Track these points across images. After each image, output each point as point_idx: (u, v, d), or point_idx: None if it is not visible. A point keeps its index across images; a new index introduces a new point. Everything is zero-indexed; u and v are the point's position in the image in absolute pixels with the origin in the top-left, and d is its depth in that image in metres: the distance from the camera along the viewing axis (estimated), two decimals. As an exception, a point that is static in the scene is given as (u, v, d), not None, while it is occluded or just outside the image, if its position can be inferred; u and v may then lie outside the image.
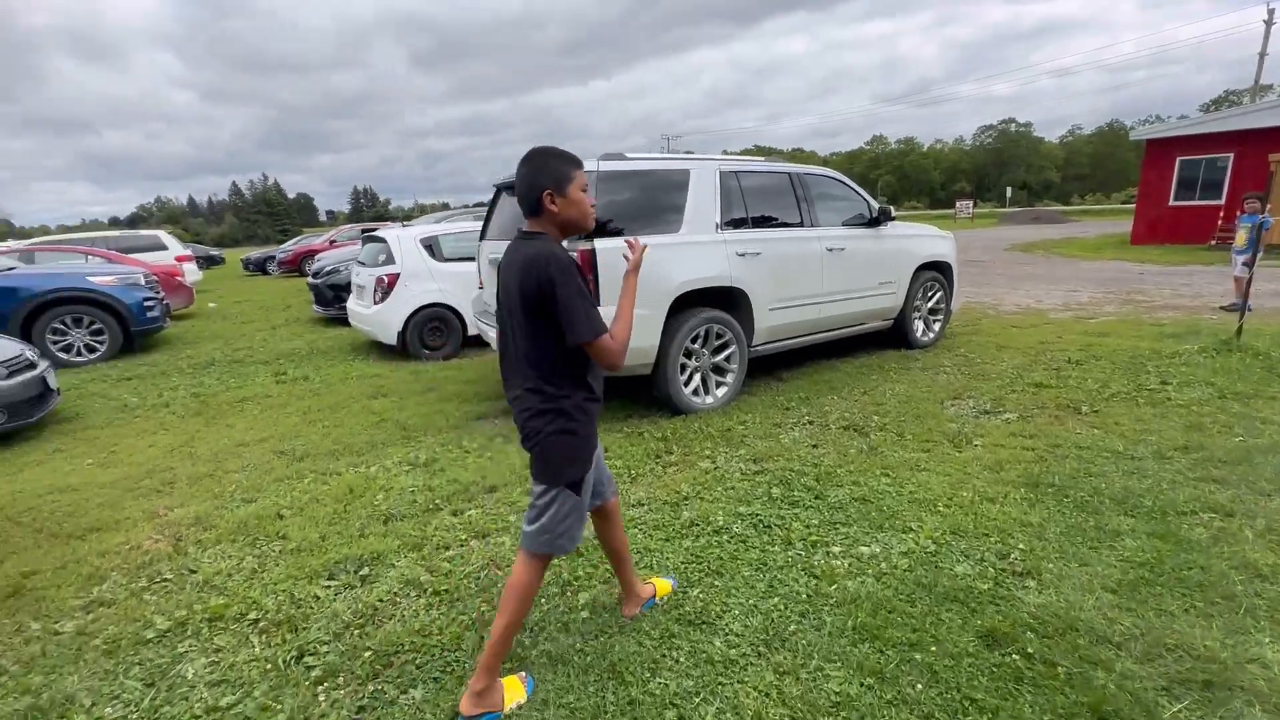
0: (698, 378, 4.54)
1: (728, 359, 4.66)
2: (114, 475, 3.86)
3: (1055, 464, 3.33)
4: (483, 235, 5.13)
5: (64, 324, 7.27)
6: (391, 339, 6.66)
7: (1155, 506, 2.81)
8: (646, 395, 4.63)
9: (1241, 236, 7.41)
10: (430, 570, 2.61)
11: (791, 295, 4.93)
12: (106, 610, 2.45)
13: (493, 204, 5.09)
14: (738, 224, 4.65)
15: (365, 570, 2.63)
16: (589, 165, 3.94)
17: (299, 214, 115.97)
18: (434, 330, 6.80)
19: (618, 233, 3.99)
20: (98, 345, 7.46)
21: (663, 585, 2.35)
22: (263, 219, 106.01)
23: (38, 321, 7.06)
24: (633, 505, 3.11)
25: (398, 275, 6.58)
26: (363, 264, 7.29)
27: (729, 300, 4.64)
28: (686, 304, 4.36)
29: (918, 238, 6.06)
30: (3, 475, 3.98)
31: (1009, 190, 70.81)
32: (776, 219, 4.99)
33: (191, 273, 13.19)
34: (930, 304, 6.27)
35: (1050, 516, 2.77)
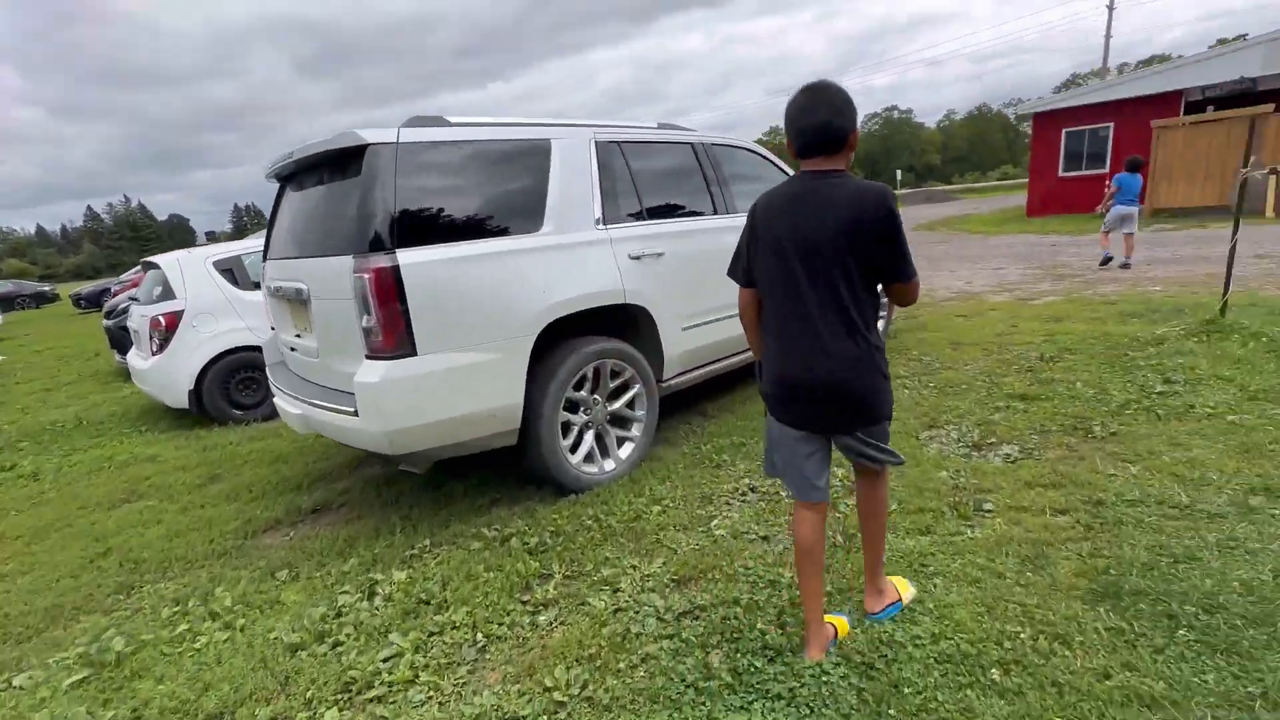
0: (590, 436, 3.18)
1: (631, 404, 3.33)
2: None
3: (1116, 545, 2.22)
4: (266, 254, 3.51)
5: None
6: (181, 400, 4.86)
7: (1314, 626, 1.72)
8: (520, 468, 3.23)
9: (1109, 196, 8.18)
10: None
11: (710, 307, 3.67)
12: None
13: (276, 206, 3.48)
14: (628, 216, 3.32)
15: None
16: (381, 136, 2.51)
17: (172, 237, 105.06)
18: (245, 384, 5.05)
19: (443, 237, 2.57)
20: None
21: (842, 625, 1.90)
22: (127, 245, 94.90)
23: None
24: (464, 734, 1.72)
25: (178, 314, 4.78)
26: (136, 301, 5.40)
27: (625, 323, 3.32)
28: (562, 335, 3.00)
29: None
30: None
31: (898, 174, 74.45)
32: (681, 207, 3.71)
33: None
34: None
35: (1182, 680, 1.62)
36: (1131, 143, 15.47)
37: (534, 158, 2.98)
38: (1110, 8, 34.64)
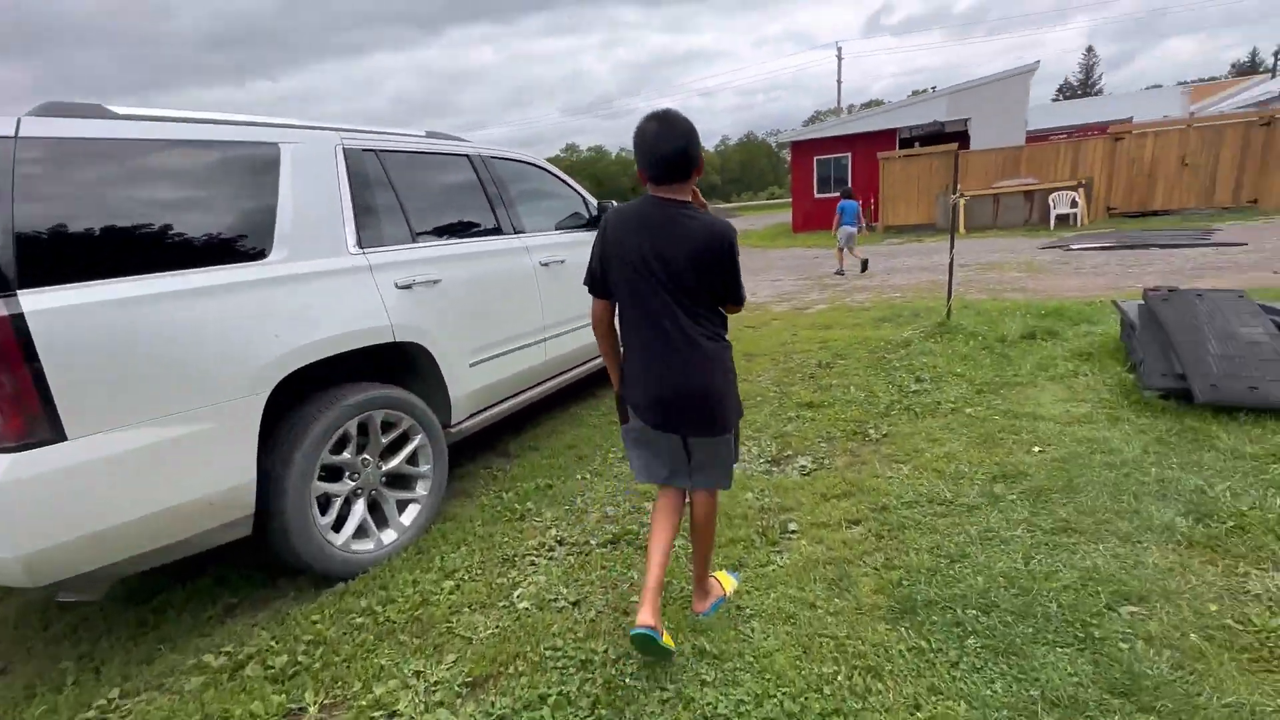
0: (360, 506, 2.60)
1: (413, 459, 2.81)
2: None
3: (904, 551, 2.33)
4: None
5: None
6: None
7: (1060, 611, 1.91)
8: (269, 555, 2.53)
9: (838, 220, 10.10)
10: None
11: (505, 336, 3.30)
12: None
13: None
14: (394, 238, 2.81)
15: None
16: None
17: None
18: None
19: (104, 271, 1.85)
20: None
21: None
22: None
23: None
24: None
25: None
26: None
27: (398, 364, 2.80)
28: (313, 387, 2.40)
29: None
30: None
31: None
32: (461, 226, 3.29)
33: None
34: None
35: (978, 696, 1.65)
36: (865, 170, 18.50)
37: (255, 167, 2.34)
38: (839, 57, 41.46)
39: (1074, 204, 13.80)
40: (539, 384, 3.67)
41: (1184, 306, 3.55)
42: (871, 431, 3.47)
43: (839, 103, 41.52)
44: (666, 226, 1.69)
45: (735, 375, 1.87)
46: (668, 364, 1.75)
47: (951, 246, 5.38)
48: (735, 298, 1.82)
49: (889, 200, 16.48)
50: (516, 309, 3.40)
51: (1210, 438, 2.89)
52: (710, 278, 1.71)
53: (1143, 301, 3.91)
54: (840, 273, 10.03)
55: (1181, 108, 24.19)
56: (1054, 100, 47.65)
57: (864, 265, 9.88)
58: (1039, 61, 16.55)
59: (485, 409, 3.27)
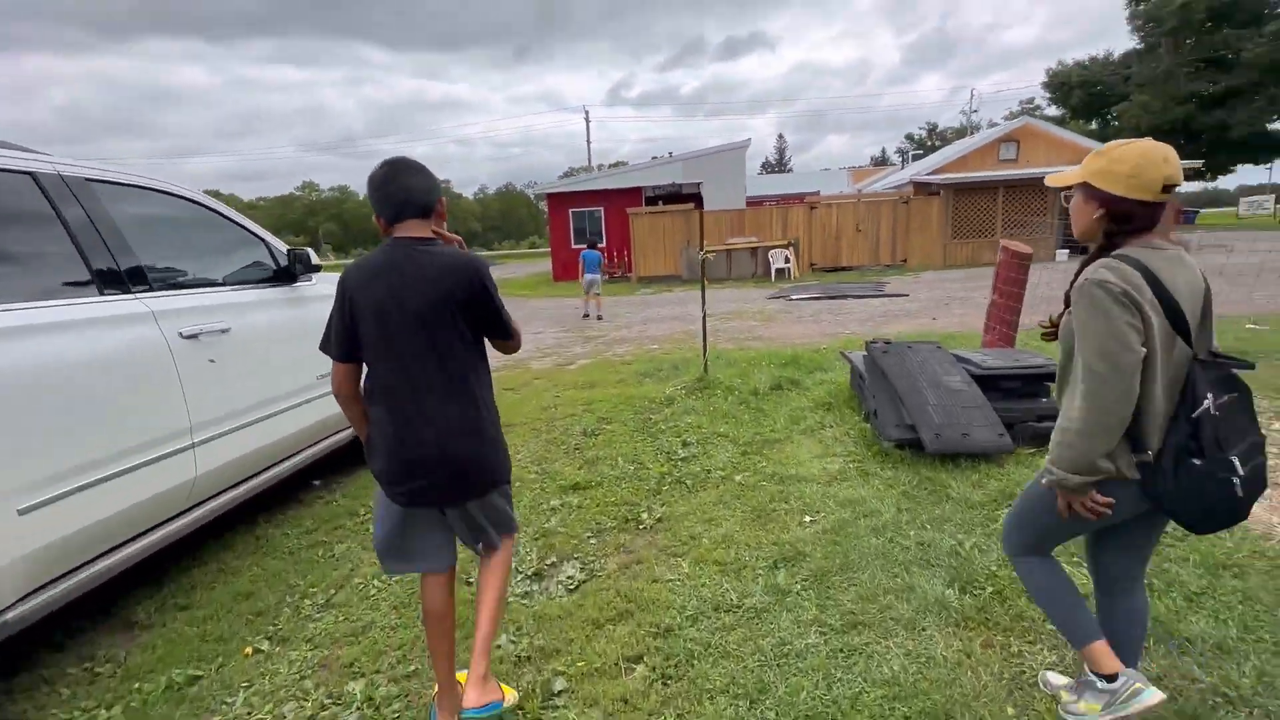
0: None
1: None
2: None
3: (696, 699, 1.83)
4: None
5: None
6: None
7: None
8: None
9: (581, 269, 11.03)
10: None
11: (99, 455, 2.10)
12: None
13: None
14: None
15: None
16: None
17: None
18: None
19: None
20: None
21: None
22: None
23: None
24: None
25: None
26: None
27: None
28: None
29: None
30: None
31: (446, 238, 78.02)
32: (13, 281, 2.05)
33: None
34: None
35: None
36: (617, 223, 19.52)
37: None
38: (587, 120, 44.30)
39: (787, 260, 16.17)
40: (185, 513, 2.49)
41: (900, 358, 3.87)
42: (645, 515, 3.04)
43: (589, 161, 44.24)
44: (410, 267, 1.55)
45: (498, 421, 1.74)
46: (422, 421, 1.58)
47: (704, 305, 5.45)
48: (501, 331, 1.70)
49: (640, 253, 17.47)
50: (131, 406, 2.23)
51: (944, 487, 3.04)
52: (466, 314, 1.60)
53: (866, 353, 4.23)
54: (587, 315, 10.94)
55: (849, 185, 30.80)
56: (760, 174, 57.46)
57: (598, 316, 10.83)
58: (750, 139, 19.45)
59: (64, 577, 2.02)
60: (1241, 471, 1.28)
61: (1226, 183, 59.52)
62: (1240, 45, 29.20)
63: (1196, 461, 1.28)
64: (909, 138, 71.73)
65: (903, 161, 39.54)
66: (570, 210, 20.14)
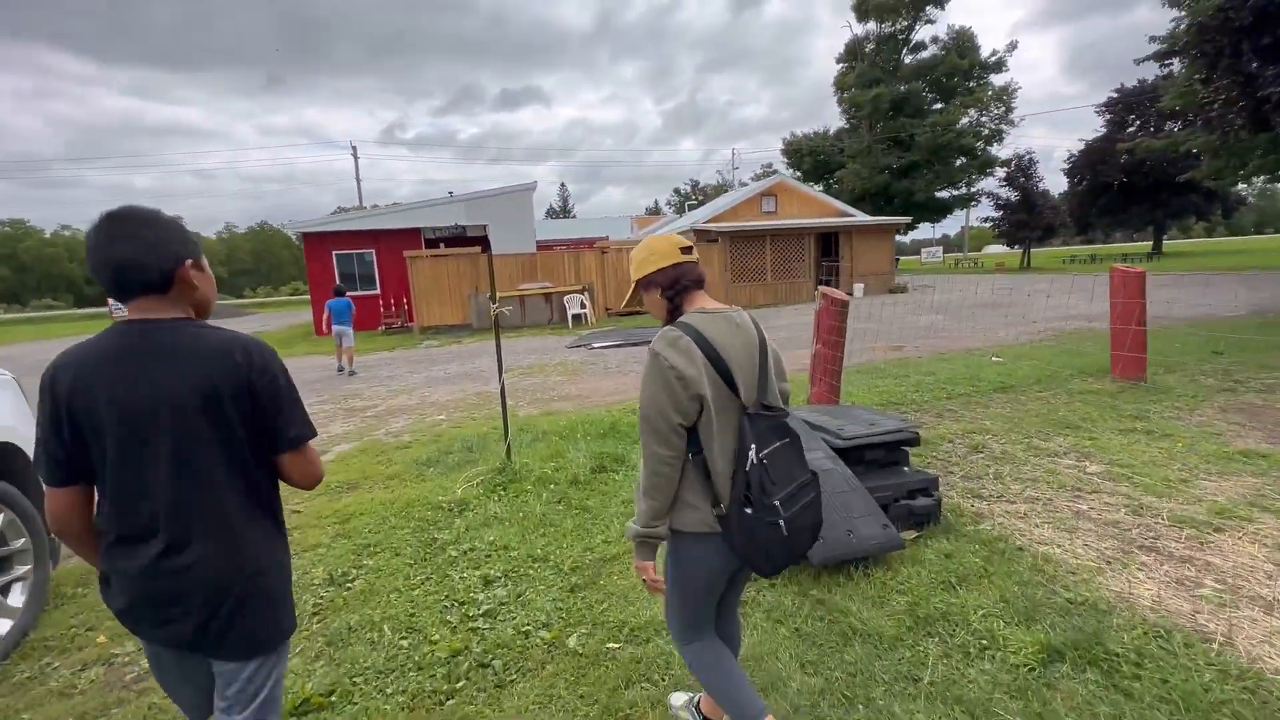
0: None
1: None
2: None
3: None
4: None
5: None
6: None
7: None
8: None
9: (327, 319, 10.26)
10: None
11: None
12: None
13: None
14: None
15: None
16: None
17: None
18: None
19: None
20: None
21: None
22: None
23: None
24: None
25: None
26: None
27: None
28: None
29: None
30: None
31: (174, 284, 64.66)
32: None
33: None
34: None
35: None
36: (392, 268, 17.31)
37: None
38: (355, 156, 40.48)
39: (583, 305, 15.67)
40: None
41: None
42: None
43: (360, 200, 40.16)
44: (150, 358, 1.18)
45: (287, 562, 1.35)
46: (165, 553, 1.19)
47: (500, 373, 4.32)
48: (288, 439, 1.27)
49: (422, 299, 15.57)
50: None
51: (843, 615, 2.31)
52: (238, 417, 1.22)
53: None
54: (341, 369, 10.23)
55: (632, 231, 32.09)
56: (545, 219, 57.91)
57: (351, 371, 10.19)
58: (536, 182, 18.86)
59: None
60: (784, 514, 1.40)
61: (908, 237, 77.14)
62: (913, 130, 37.44)
63: (748, 510, 1.39)
64: (676, 191, 79.49)
65: (678, 210, 42.80)
66: (334, 252, 17.41)
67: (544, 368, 9.08)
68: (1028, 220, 30.14)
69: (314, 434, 1.31)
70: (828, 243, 19.49)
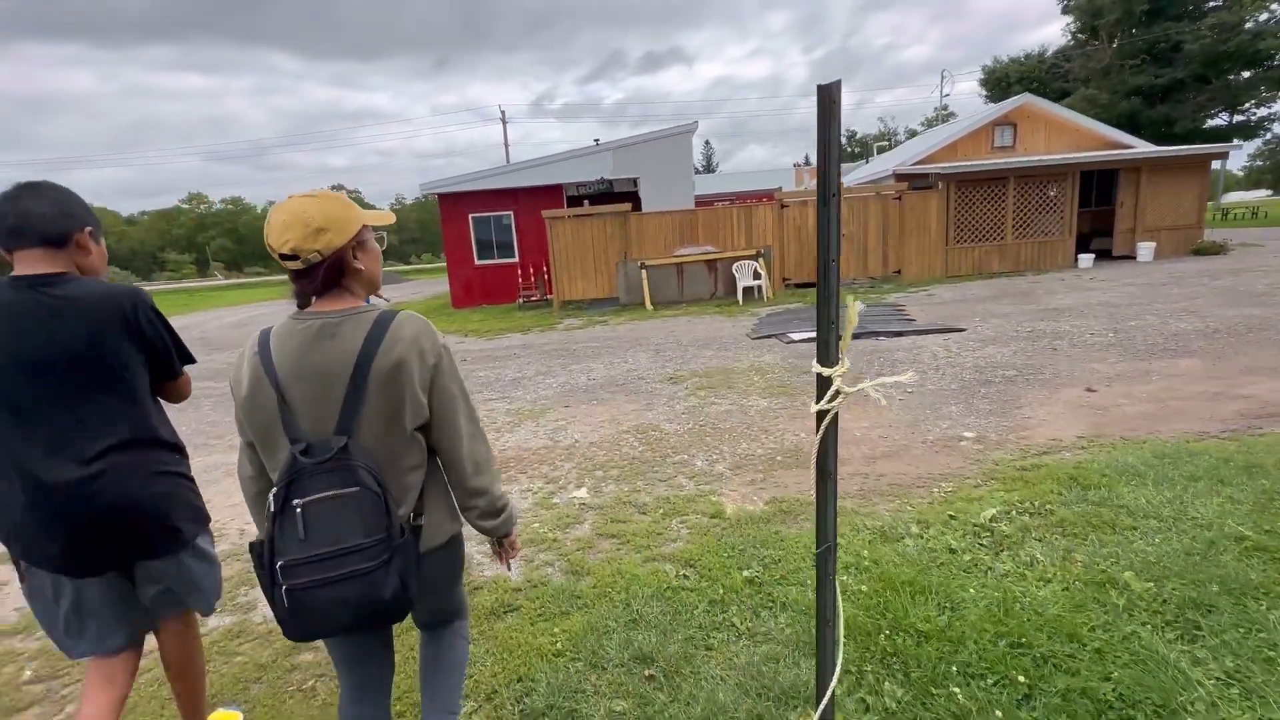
0: None
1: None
2: None
3: None
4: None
5: None
6: None
7: None
8: None
9: None
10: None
11: None
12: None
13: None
14: None
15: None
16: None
17: None
18: None
19: None
20: None
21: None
22: None
23: None
24: None
25: None
26: None
27: None
28: None
29: None
30: None
31: (353, 252, 70.65)
32: None
33: None
34: None
35: None
36: (532, 231, 15.13)
37: None
38: (504, 120, 39.74)
39: (757, 275, 12.30)
40: None
41: None
42: None
43: (507, 158, 39.56)
44: (28, 312, 1.35)
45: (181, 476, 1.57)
46: (57, 487, 1.36)
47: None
48: (169, 371, 1.56)
49: (562, 268, 13.15)
50: None
51: None
52: (123, 356, 1.44)
53: None
54: None
55: (799, 182, 27.49)
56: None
57: None
58: (697, 122, 15.52)
59: None
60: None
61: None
62: (1179, 37, 28.34)
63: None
64: (835, 142, 70.98)
65: (864, 155, 36.84)
66: (470, 215, 15.56)
67: (730, 376, 5.95)
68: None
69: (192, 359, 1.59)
70: (1093, 185, 14.11)
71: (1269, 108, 29.61)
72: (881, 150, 32.45)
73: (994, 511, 2.78)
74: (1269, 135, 30.36)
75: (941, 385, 5.06)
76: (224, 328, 15.96)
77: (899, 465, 3.54)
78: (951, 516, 2.81)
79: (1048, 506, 2.82)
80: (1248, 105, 29.39)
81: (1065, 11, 33.57)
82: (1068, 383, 4.86)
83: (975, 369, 5.47)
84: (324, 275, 1.17)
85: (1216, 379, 4.67)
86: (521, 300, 14.83)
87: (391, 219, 1.34)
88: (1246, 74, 28.67)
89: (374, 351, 1.14)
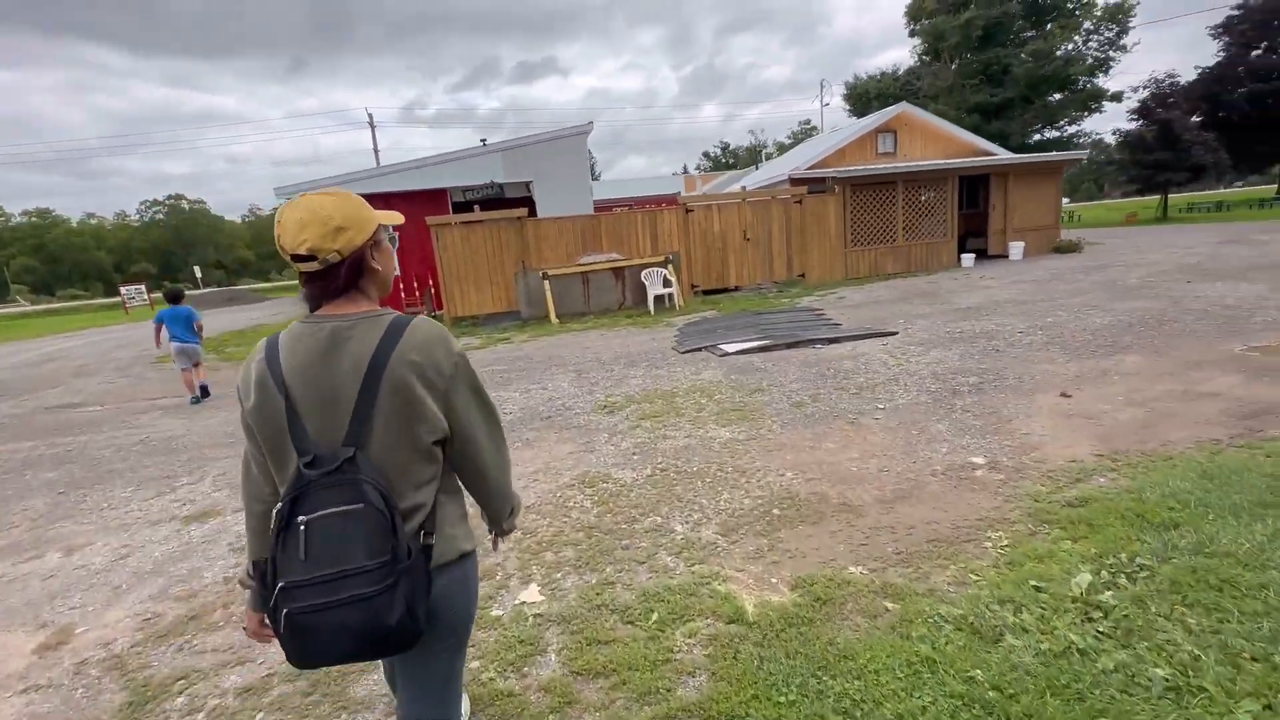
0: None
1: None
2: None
3: None
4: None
5: None
6: None
7: None
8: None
9: (159, 335, 7.24)
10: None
11: None
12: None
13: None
14: None
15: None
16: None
17: None
18: None
19: None
20: None
21: None
22: None
23: None
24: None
25: None
26: None
27: None
28: None
29: None
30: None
31: (197, 270, 62.79)
32: None
33: None
34: None
35: None
36: (415, 241, 13.52)
37: None
38: (371, 125, 36.72)
39: (667, 282, 11.69)
40: None
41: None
42: None
43: (377, 162, 36.55)
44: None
45: None
46: None
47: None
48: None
49: (453, 281, 11.76)
50: None
51: None
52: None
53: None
54: (196, 398, 7.23)
55: (687, 189, 27.57)
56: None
57: (203, 391, 7.32)
58: (592, 123, 14.71)
59: None
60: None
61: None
62: (1006, 61, 31.89)
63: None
64: (705, 155, 74.07)
65: (716, 169, 37.79)
66: (339, 224, 13.61)
67: (674, 399, 5.14)
68: (1170, 161, 24.77)
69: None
70: (963, 190, 15.05)
71: (1078, 125, 34.15)
72: (769, 158, 33.56)
73: (1088, 578, 2.16)
74: (1086, 143, 35.03)
75: (912, 399, 4.57)
76: (18, 367, 12.75)
77: (924, 510, 2.89)
78: (1037, 589, 2.16)
79: (1139, 560, 2.26)
80: (1063, 122, 33.66)
81: (912, 35, 36.81)
82: (1037, 388, 4.55)
83: (935, 377, 5.08)
84: (345, 275, 1.13)
85: (1171, 375, 4.55)
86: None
87: (400, 219, 1.27)
88: (1057, 96, 32.86)
89: (387, 357, 1.10)
